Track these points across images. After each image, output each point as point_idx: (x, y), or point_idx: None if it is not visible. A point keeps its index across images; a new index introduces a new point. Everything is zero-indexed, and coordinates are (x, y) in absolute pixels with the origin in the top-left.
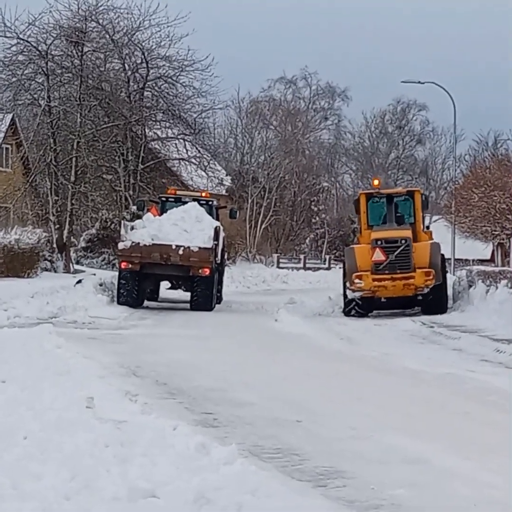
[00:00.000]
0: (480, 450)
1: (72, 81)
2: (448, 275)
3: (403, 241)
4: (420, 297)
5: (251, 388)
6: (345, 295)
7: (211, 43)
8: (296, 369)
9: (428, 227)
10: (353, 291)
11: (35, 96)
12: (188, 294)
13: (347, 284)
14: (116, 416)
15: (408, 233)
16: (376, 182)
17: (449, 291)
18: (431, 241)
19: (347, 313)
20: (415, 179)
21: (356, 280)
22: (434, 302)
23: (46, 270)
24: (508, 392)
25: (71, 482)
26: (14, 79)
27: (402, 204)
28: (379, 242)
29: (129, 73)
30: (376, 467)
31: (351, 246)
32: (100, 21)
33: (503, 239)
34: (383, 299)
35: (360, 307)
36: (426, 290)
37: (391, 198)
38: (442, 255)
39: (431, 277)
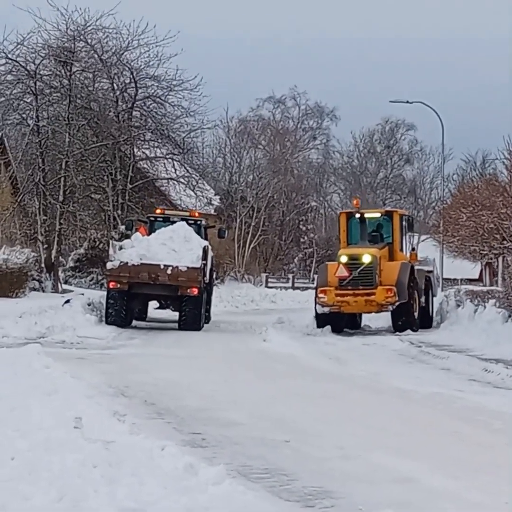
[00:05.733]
0: (468, 469)
1: (60, 100)
2: (441, 293)
3: (366, 259)
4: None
5: (239, 408)
6: (316, 311)
7: (200, 63)
8: (284, 389)
9: (413, 249)
10: (322, 306)
11: (24, 115)
12: (177, 314)
13: (316, 299)
14: (104, 436)
15: (374, 251)
16: (355, 201)
17: (435, 310)
18: (401, 261)
19: (318, 326)
20: (403, 198)
21: (320, 295)
22: (400, 319)
23: (35, 290)
24: (497, 412)
25: (59, 502)
26: (2, 99)
27: (381, 224)
28: (343, 259)
29: (118, 92)
30: (364, 486)
31: (326, 263)
32: (89, 41)
33: (491, 259)
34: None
35: (331, 322)
36: (390, 308)
37: (367, 218)
38: (428, 276)
39: (392, 294)
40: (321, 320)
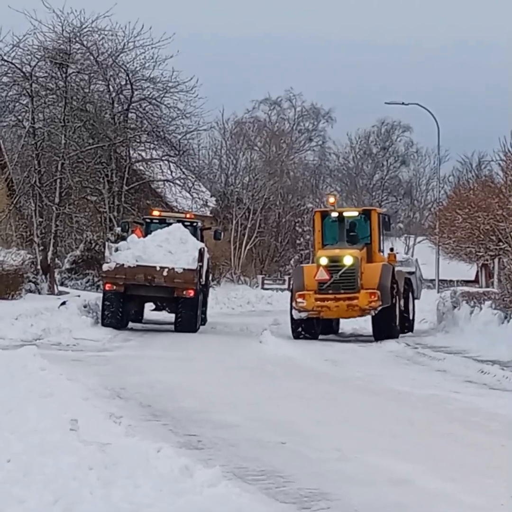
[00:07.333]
0: (464, 471)
1: (56, 102)
2: (436, 295)
3: (348, 261)
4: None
5: (235, 410)
6: (291, 316)
7: (196, 65)
8: (280, 391)
9: (392, 249)
10: (299, 311)
11: (20, 117)
12: (173, 315)
13: (293, 304)
14: (100, 438)
15: (355, 253)
16: (331, 199)
17: (431, 312)
18: (382, 263)
19: (295, 336)
20: (399, 200)
21: (299, 299)
22: (382, 325)
23: (31, 291)
24: (493, 414)
25: (54, 505)
26: None
27: (358, 224)
28: (323, 261)
29: (114, 94)
30: (360, 488)
31: (301, 265)
32: (85, 42)
33: (487, 260)
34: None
35: (307, 328)
36: (373, 313)
37: (345, 217)
38: (408, 278)
39: (375, 299)
40: (297, 328)
